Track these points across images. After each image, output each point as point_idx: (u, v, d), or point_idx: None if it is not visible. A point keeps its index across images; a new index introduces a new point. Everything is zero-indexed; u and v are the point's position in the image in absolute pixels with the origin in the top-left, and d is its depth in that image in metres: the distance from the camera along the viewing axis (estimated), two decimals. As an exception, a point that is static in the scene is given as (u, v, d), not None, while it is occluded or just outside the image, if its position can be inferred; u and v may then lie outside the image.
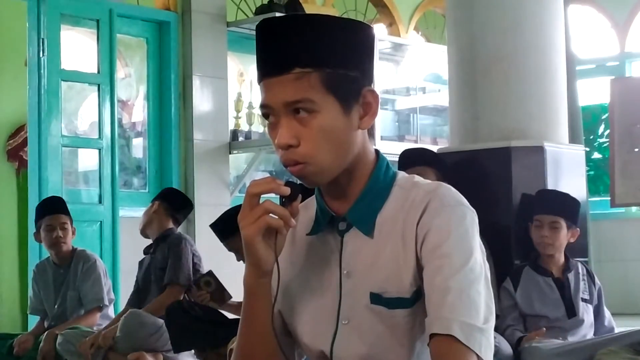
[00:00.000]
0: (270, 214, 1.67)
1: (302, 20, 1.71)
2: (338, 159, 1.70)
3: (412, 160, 4.79)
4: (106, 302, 5.47)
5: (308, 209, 1.83)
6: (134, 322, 4.99)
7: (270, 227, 1.68)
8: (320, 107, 1.67)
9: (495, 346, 4.25)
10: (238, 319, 1.85)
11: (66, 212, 5.52)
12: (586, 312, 4.68)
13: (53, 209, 5.51)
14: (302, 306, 1.81)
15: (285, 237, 1.73)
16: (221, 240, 4.88)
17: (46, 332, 5.41)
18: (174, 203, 5.55)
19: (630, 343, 4.21)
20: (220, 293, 5.06)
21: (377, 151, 1.80)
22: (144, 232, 5.52)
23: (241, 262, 5.01)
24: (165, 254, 5.28)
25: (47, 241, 5.48)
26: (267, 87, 1.70)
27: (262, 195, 1.69)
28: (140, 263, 5.54)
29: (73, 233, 5.53)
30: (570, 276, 4.69)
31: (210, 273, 5.11)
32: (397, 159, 4.82)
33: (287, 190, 1.69)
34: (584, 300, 4.67)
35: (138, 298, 5.43)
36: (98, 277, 5.45)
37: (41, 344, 5.32)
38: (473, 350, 1.59)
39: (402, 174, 1.79)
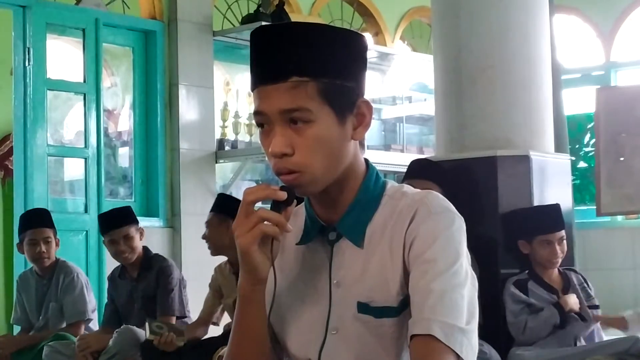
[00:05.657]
0: (265, 222, 1.67)
1: (300, 29, 1.70)
2: (331, 168, 1.70)
3: (418, 172, 4.78)
4: (89, 316, 5.38)
5: (297, 217, 1.82)
6: (128, 338, 4.93)
7: (266, 235, 1.68)
8: (316, 116, 1.67)
9: (485, 354, 4.23)
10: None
11: (50, 224, 5.41)
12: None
13: (37, 222, 5.40)
14: (291, 315, 1.80)
15: (280, 243, 1.72)
16: None
17: (19, 334, 5.41)
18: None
19: (615, 351, 4.22)
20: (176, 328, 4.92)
21: (366, 161, 1.80)
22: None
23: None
24: (152, 283, 5.12)
25: (29, 255, 5.39)
26: (263, 95, 1.69)
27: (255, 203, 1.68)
28: (112, 280, 5.36)
29: (57, 244, 5.43)
30: (571, 291, 4.63)
31: (151, 319, 4.92)
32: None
33: (283, 195, 1.68)
34: (591, 307, 4.62)
35: (118, 319, 5.25)
36: (80, 291, 5.35)
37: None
38: (453, 350, 1.58)
39: (391, 184, 1.80)
